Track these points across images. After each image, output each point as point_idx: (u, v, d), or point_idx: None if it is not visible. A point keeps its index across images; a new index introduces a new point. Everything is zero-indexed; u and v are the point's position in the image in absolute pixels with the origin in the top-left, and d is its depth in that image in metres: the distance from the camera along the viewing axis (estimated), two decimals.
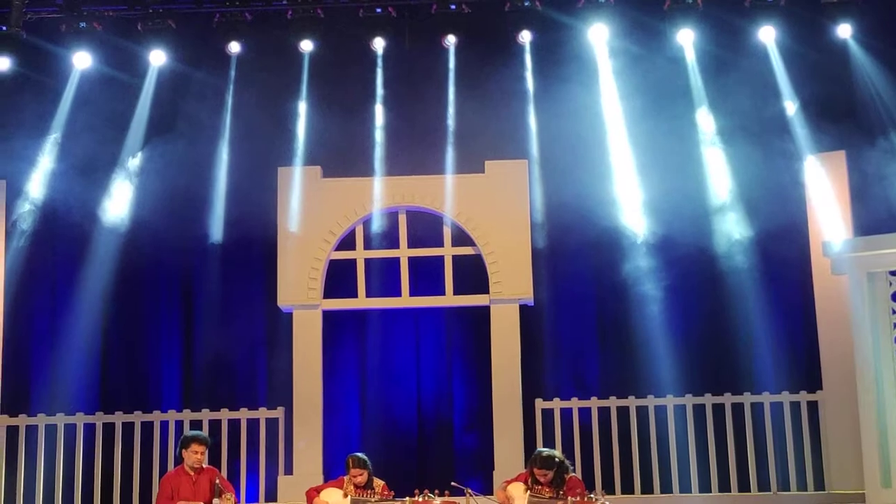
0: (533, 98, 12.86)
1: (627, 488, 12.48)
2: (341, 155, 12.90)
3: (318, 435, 12.50)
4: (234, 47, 12.66)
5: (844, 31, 12.34)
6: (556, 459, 10.46)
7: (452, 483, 10.80)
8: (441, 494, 10.56)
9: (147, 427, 12.71)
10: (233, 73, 12.85)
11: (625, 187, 12.66)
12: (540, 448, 11.16)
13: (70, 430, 12.68)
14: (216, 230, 12.85)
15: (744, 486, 12.40)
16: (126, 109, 12.83)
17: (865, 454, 11.77)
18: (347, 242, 12.86)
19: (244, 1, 12.47)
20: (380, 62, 12.86)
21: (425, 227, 12.90)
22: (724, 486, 12.40)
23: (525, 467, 10.92)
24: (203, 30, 12.62)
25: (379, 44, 12.71)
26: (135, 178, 12.83)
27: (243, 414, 12.75)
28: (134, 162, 12.84)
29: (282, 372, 12.76)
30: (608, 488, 12.22)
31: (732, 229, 12.59)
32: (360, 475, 10.82)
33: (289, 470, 12.54)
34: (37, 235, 12.82)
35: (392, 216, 12.92)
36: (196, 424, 12.46)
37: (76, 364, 12.85)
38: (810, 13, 12.35)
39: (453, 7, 12.35)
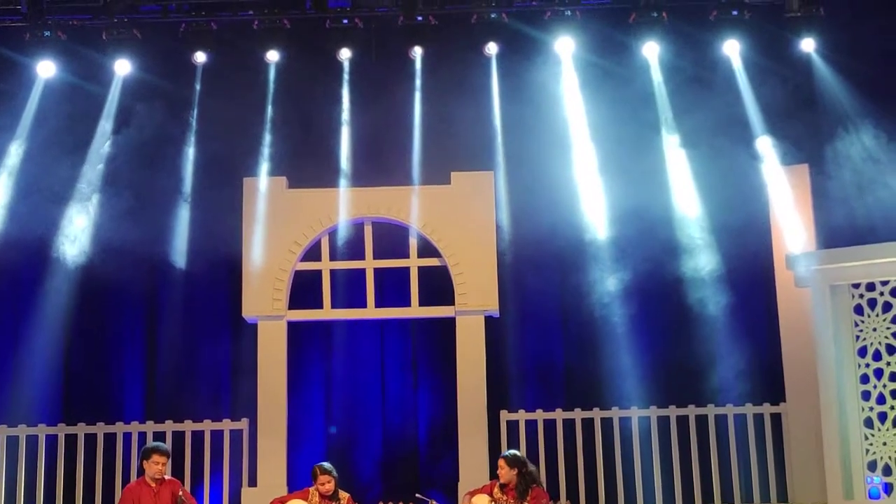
0: (499, 109, 12.88)
1: (592, 500, 12.49)
2: (307, 166, 12.87)
3: (282, 446, 12.44)
4: (200, 57, 12.62)
5: (808, 45, 12.43)
6: (521, 458, 10.52)
7: (417, 495, 10.81)
8: None
9: (110, 439, 12.62)
10: (198, 83, 12.80)
11: (590, 199, 12.69)
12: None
13: (32, 441, 12.58)
14: (180, 241, 12.78)
15: (707, 498, 12.44)
16: (90, 119, 12.75)
17: (828, 466, 11.85)
18: (313, 253, 12.83)
19: (210, 11, 12.44)
20: (346, 73, 12.85)
21: (391, 238, 12.88)
22: (688, 498, 12.43)
23: (490, 479, 10.92)
24: (169, 39, 12.56)
25: (345, 55, 12.71)
26: (99, 187, 12.76)
27: (207, 425, 12.68)
28: (98, 171, 12.76)
29: (246, 383, 12.71)
30: (573, 500, 12.24)
31: (697, 241, 12.63)
32: (329, 482, 10.79)
33: (253, 482, 12.48)
34: None
35: (358, 227, 12.89)
36: (159, 436, 12.39)
37: (38, 375, 12.76)
38: (774, 27, 12.41)
39: (420, 19, 12.35)
